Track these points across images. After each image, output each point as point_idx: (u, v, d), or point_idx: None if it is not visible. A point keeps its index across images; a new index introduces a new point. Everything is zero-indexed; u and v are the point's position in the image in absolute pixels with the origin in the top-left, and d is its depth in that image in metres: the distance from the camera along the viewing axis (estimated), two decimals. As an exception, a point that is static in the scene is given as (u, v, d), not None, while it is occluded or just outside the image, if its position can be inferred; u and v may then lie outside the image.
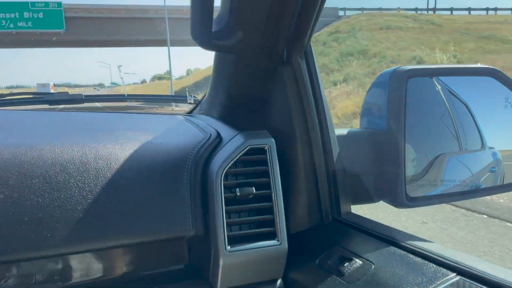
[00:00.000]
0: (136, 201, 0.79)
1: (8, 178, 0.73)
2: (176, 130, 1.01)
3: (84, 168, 0.78)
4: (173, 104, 1.38)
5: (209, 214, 0.83)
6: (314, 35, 0.90)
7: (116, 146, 0.84)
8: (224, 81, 0.97)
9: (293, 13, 0.81)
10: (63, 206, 0.74)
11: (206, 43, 0.80)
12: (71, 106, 1.28)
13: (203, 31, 0.77)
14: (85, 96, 1.29)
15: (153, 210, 0.80)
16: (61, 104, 1.27)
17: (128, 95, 1.32)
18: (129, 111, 1.30)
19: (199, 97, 1.36)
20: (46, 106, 1.25)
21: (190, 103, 1.34)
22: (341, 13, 29.53)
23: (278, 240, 0.83)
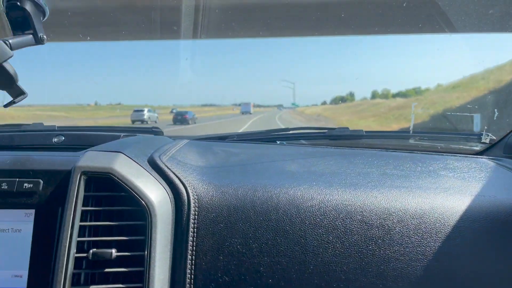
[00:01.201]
0: (480, 262, 0.71)
1: (351, 225, 0.74)
2: (499, 180, 0.89)
3: (421, 220, 0.74)
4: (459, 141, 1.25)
5: None
6: None
7: (448, 197, 0.78)
8: None
9: None
10: (403, 260, 0.72)
11: None
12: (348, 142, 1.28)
13: None
14: (366, 132, 1.29)
15: (495, 274, 0.70)
16: (342, 140, 1.30)
17: (413, 132, 1.27)
18: (411, 148, 1.23)
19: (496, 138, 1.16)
20: (327, 141, 1.29)
21: (484, 143, 1.20)
22: None
23: None
